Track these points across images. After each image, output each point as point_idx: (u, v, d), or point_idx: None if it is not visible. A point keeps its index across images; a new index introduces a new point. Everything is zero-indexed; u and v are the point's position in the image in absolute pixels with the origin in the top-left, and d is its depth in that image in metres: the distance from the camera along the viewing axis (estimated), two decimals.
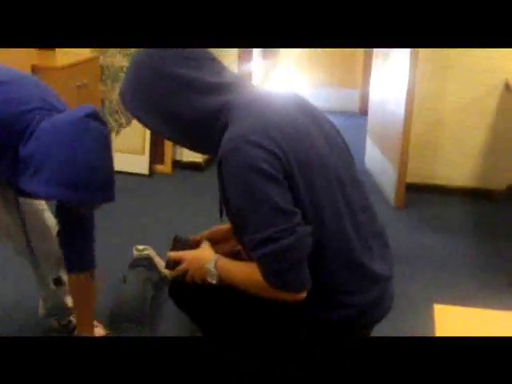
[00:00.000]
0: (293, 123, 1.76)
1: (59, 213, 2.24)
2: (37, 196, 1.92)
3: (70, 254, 2.27)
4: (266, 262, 1.69)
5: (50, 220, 2.36)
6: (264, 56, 5.98)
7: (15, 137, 1.89)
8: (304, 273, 1.70)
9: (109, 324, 2.60)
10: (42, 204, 2.38)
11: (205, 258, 1.87)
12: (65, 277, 2.49)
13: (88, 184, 1.85)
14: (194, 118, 1.75)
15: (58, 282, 2.50)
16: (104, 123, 1.93)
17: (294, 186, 1.69)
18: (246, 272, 1.77)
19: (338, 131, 1.95)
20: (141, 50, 1.82)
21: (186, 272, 1.92)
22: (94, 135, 1.87)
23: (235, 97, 1.76)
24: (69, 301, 2.56)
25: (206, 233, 2.09)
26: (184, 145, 1.87)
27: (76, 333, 2.46)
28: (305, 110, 1.85)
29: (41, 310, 2.63)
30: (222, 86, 1.76)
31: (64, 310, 2.59)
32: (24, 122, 1.89)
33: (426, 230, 3.76)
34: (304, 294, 1.72)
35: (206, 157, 4.65)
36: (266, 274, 1.70)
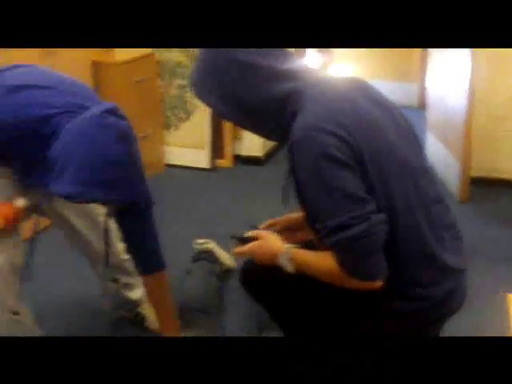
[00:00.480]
0: (363, 112, 1.75)
1: (116, 219, 2.23)
2: (63, 197, 1.89)
3: (136, 258, 2.29)
4: (339, 249, 1.68)
5: (106, 224, 2.36)
6: (319, 49, 5.94)
7: (42, 141, 1.89)
8: (380, 260, 1.68)
9: (178, 315, 2.62)
10: (96, 208, 2.39)
11: (276, 251, 1.85)
12: (123, 277, 2.56)
13: (107, 181, 1.83)
14: (262, 104, 1.75)
15: (115, 281, 2.56)
16: (123, 118, 1.90)
17: (365, 174, 1.67)
18: (319, 261, 1.76)
19: (407, 121, 1.92)
20: None
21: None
22: (112, 131, 1.84)
23: (303, 84, 1.76)
24: (132, 294, 2.62)
25: (277, 220, 2.09)
26: (252, 130, 1.86)
27: (160, 332, 2.48)
28: (374, 99, 1.83)
29: (107, 304, 2.69)
30: (289, 74, 1.76)
31: (128, 304, 2.64)
32: (51, 125, 1.89)
33: (491, 223, 3.70)
34: (380, 283, 1.70)
35: (265, 151, 4.67)
36: (340, 261, 1.69)
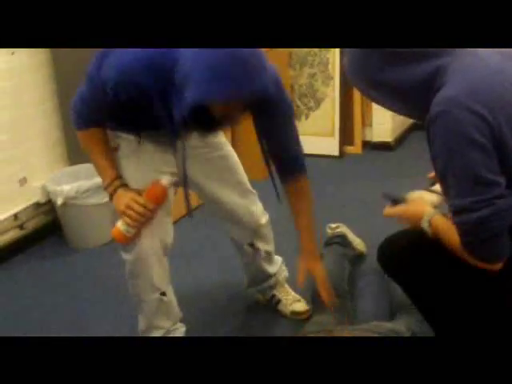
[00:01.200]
0: (508, 85, 1.68)
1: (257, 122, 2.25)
2: (196, 106, 1.85)
3: (277, 160, 2.32)
4: (461, 229, 1.69)
5: (244, 178, 2.48)
6: None
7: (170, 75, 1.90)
8: (500, 245, 1.68)
9: (310, 299, 2.70)
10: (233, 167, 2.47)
11: (421, 214, 1.88)
12: (259, 243, 2.60)
13: (234, 75, 1.79)
14: (411, 86, 1.74)
15: (252, 246, 2.60)
16: None
17: (505, 153, 1.63)
18: (451, 234, 1.76)
19: None
20: None
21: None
22: None
23: (447, 60, 1.71)
24: (270, 268, 2.68)
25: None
26: (404, 113, 1.87)
27: (300, 259, 2.44)
28: None
29: (245, 281, 2.78)
30: (432, 52, 1.72)
31: (264, 277, 2.71)
32: (172, 57, 1.88)
33: None
34: (498, 266, 1.70)
35: (395, 136, 4.67)
36: (461, 240, 1.71)
